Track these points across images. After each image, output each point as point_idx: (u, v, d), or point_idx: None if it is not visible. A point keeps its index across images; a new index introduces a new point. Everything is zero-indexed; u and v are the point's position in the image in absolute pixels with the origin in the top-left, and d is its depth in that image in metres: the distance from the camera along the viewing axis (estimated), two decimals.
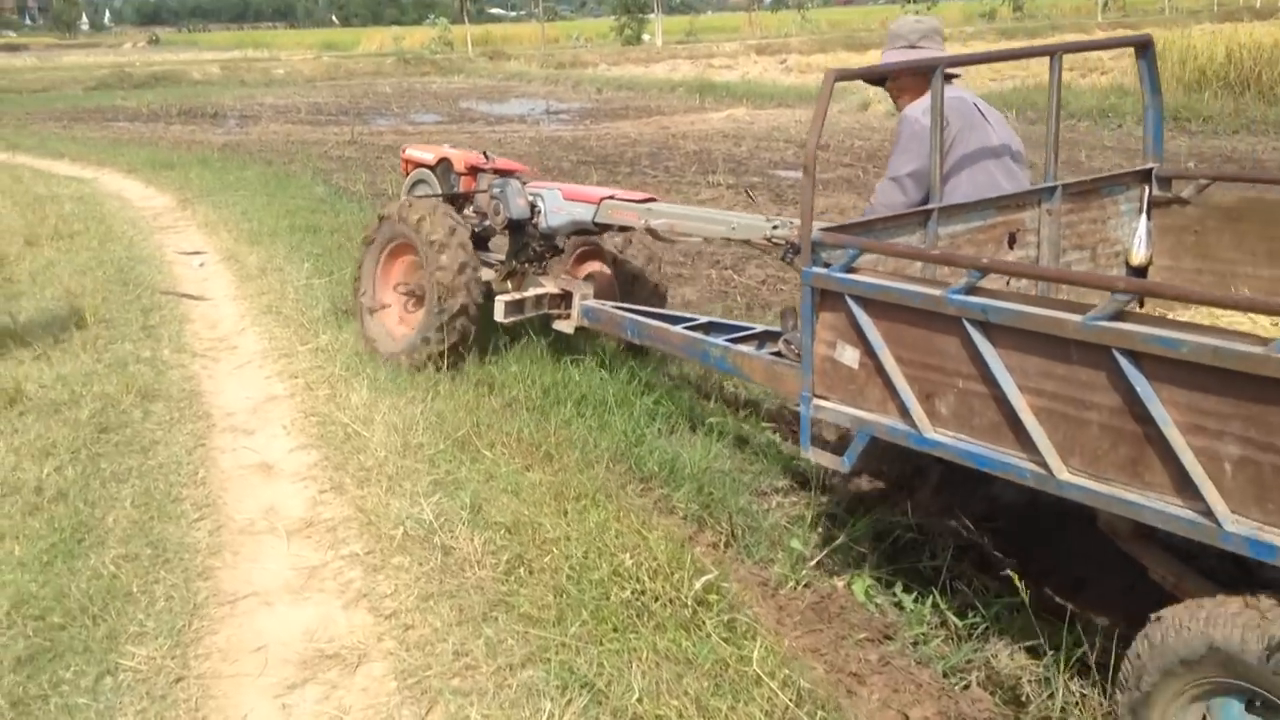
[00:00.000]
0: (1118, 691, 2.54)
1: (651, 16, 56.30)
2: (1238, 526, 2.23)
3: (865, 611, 3.51)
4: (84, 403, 5.09)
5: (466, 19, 56.06)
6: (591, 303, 5.27)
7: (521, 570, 3.40)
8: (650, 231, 5.00)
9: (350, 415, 4.89)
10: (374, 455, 4.46)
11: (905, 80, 4.19)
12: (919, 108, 3.79)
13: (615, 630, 3.04)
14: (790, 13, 59.35)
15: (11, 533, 3.79)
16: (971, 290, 2.67)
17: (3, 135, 19.04)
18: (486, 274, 5.66)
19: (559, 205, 5.45)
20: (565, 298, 5.42)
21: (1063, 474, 2.56)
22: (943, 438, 2.86)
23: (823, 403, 3.24)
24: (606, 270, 5.90)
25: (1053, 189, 3.74)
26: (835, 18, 65.48)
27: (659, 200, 5.29)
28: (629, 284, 5.86)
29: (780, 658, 2.91)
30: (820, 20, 60.42)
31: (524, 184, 5.68)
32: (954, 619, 3.35)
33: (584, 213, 5.30)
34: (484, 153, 6.14)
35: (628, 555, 3.33)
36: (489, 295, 5.50)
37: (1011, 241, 3.35)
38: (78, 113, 25.09)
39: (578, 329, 5.36)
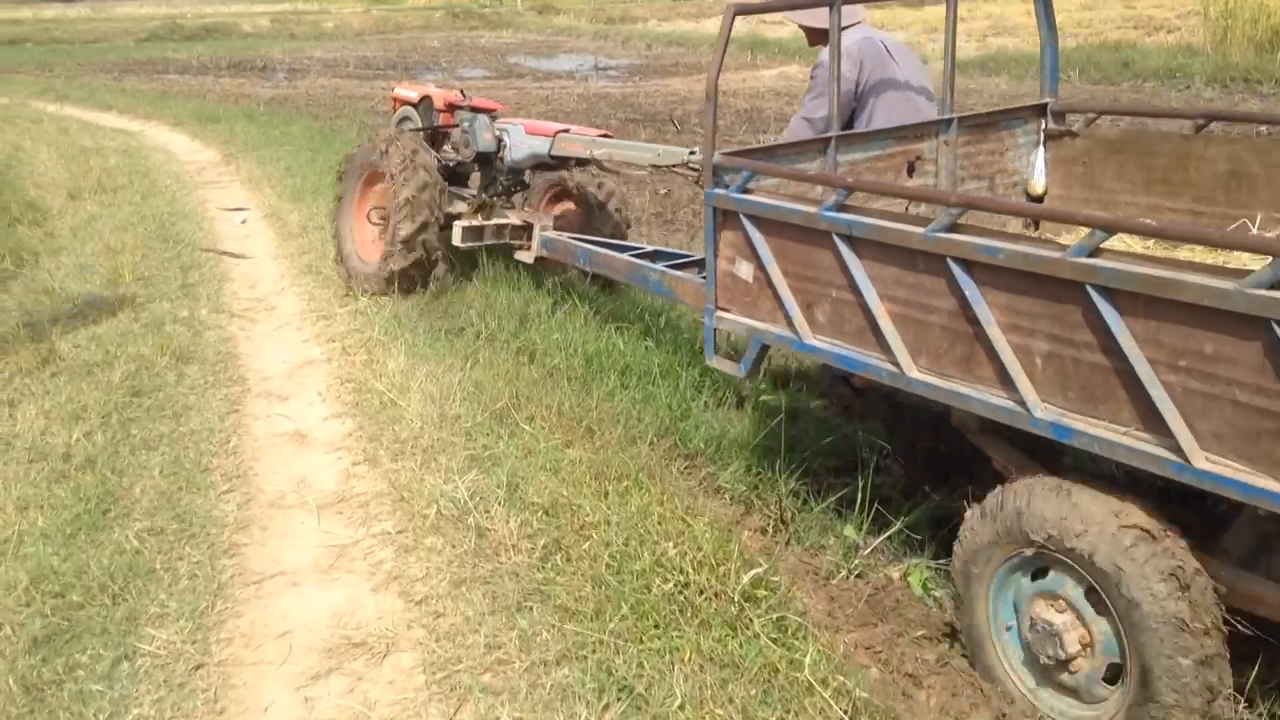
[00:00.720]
0: (953, 561, 2.91)
1: None
2: (1045, 413, 2.56)
3: (922, 605, 3.30)
4: (117, 364, 4.97)
5: None
6: (550, 234, 5.58)
7: (559, 557, 3.22)
8: (595, 161, 5.43)
9: (387, 383, 4.73)
10: (409, 426, 4.30)
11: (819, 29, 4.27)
12: (830, 52, 3.85)
13: (656, 627, 2.85)
14: None
15: (36, 501, 3.68)
16: (840, 208, 2.94)
17: (53, 86, 19.06)
18: (460, 206, 6.02)
19: (521, 139, 5.84)
20: (527, 229, 5.81)
21: (913, 372, 2.87)
22: (819, 343, 3.16)
23: (723, 314, 3.51)
24: (575, 208, 6.27)
25: (949, 121, 3.98)
26: None
27: (612, 136, 5.69)
28: (593, 219, 6.16)
29: (834, 664, 2.71)
30: None
31: (494, 120, 6.09)
32: None
33: (541, 145, 5.69)
34: (461, 91, 6.52)
35: (671, 544, 3.14)
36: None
37: (910, 170, 3.45)
38: (128, 64, 25.13)
39: (537, 259, 5.67)
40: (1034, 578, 2.71)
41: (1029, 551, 2.65)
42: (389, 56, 26.57)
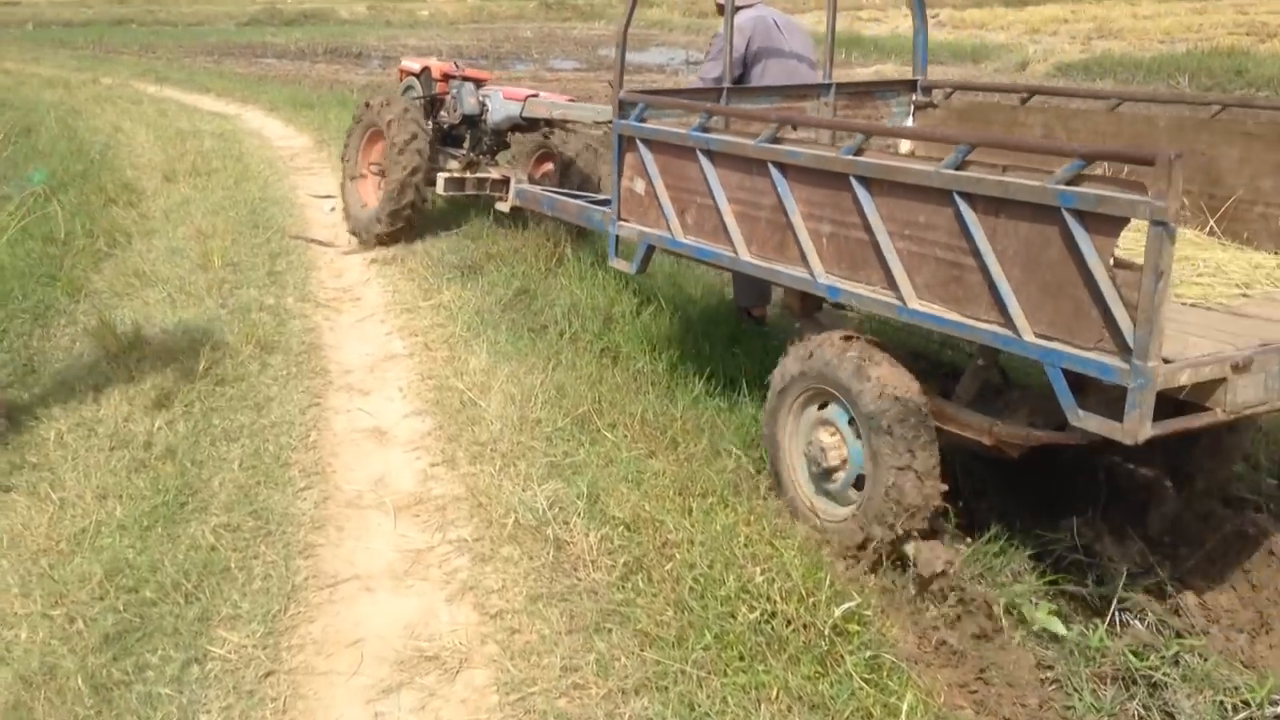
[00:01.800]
0: (768, 395, 3.73)
1: None
2: (825, 280, 3.44)
3: (1020, 641, 3.11)
4: (203, 351, 4.96)
5: None
6: (523, 186, 6.34)
7: (639, 577, 3.08)
8: (555, 120, 6.62)
9: (467, 382, 4.64)
10: (489, 429, 4.20)
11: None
12: (725, 22, 4.84)
13: (741, 659, 2.70)
14: None
15: (115, 491, 3.66)
16: (703, 129, 3.82)
17: (154, 68, 19.49)
18: (453, 165, 6.95)
19: (499, 104, 6.82)
20: (505, 182, 6.60)
21: (745, 257, 3.74)
22: (687, 241, 4.01)
23: (623, 224, 4.41)
24: (553, 166, 7.09)
25: (829, 86, 5.00)
26: None
27: (576, 100, 6.77)
28: (566, 174, 6.91)
29: (934, 712, 2.54)
30: None
31: (479, 87, 7.02)
32: (1124, 655, 2.93)
33: (515, 109, 6.72)
34: (455, 62, 7.41)
35: (758, 569, 2.98)
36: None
37: (794, 126, 3.91)
38: (228, 48, 25.64)
39: (513, 209, 6.47)
40: (819, 408, 3.58)
41: (817, 387, 3.54)
42: (482, 46, 26.71)
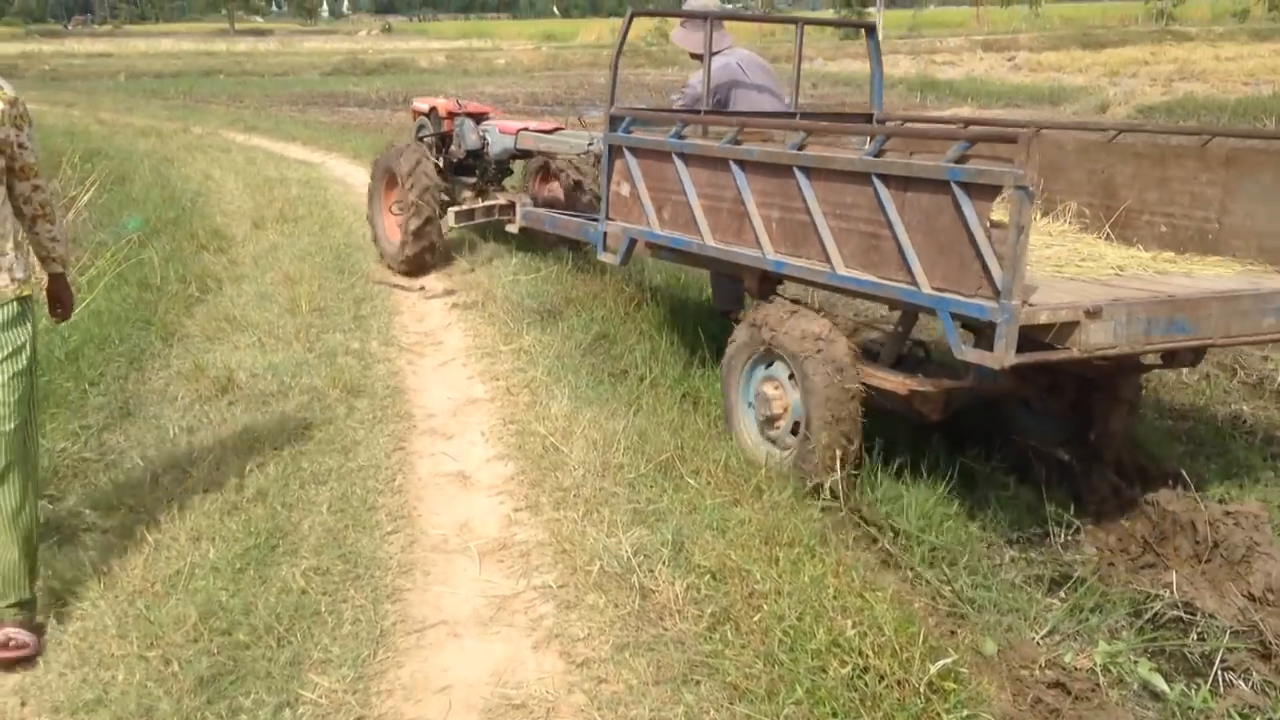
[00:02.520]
0: (723, 360, 4.64)
1: (873, 10, 54.94)
2: (774, 257, 4.20)
3: (1119, 700, 3.01)
4: (292, 395, 5.06)
5: None
6: (528, 208, 7.05)
7: (727, 628, 3.05)
8: (539, 150, 7.41)
9: (549, 427, 4.66)
10: (572, 474, 4.21)
11: (690, 41, 6.08)
12: (696, 77, 5.75)
13: (834, 716, 2.65)
14: (1021, 7, 56.70)
15: (209, 533, 3.72)
16: (679, 136, 4.68)
17: (243, 117, 20.09)
18: (466, 192, 7.87)
19: (497, 138, 7.62)
20: (511, 206, 7.28)
21: (711, 242, 4.52)
22: (664, 232, 4.84)
23: (610, 223, 5.26)
24: (559, 185, 7.58)
25: (792, 114, 5.92)
26: (1069, 13, 62.25)
27: (563, 128, 7.61)
28: (571, 195, 7.33)
29: None
30: (1053, 16, 57.54)
31: (478, 122, 7.80)
32: (1229, 717, 2.82)
33: (509, 141, 7.53)
34: (458, 100, 8.22)
35: (849, 622, 2.93)
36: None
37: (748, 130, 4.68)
38: (312, 97, 26.36)
39: (521, 229, 7.14)
40: (765, 367, 4.42)
41: (763, 348, 4.37)
42: (556, 93, 27.13)
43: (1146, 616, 3.44)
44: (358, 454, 4.52)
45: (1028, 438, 4.71)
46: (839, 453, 3.98)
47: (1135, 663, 3.14)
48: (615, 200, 5.20)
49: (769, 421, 4.36)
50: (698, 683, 2.87)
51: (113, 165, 12.40)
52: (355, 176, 12.70)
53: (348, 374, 5.37)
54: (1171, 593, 3.53)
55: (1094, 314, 3.44)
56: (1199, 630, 3.37)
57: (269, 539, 3.69)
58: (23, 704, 2.94)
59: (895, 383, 4.04)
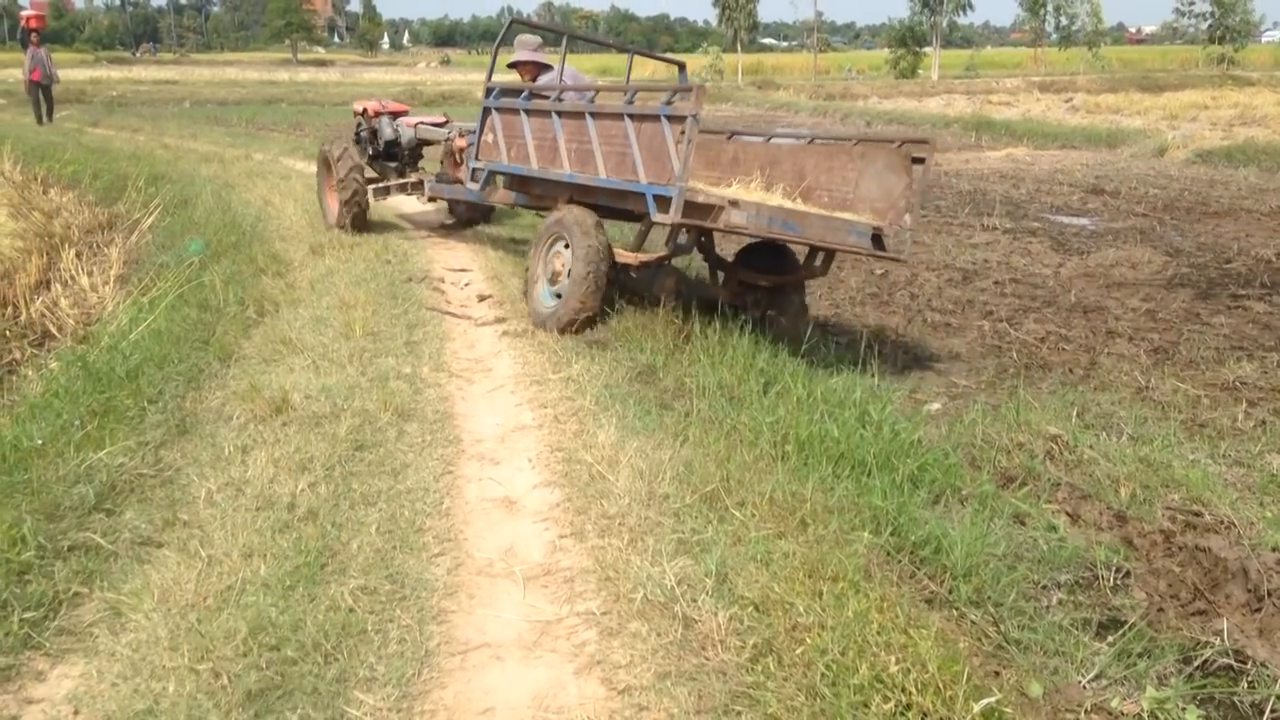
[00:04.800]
0: (533, 243, 7.38)
1: (928, 50, 54.92)
2: (569, 173, 6.96)
3: None
4: (344, 417, 5.14)
5: (739, 48, 56.45)
6: (432, 183, 9.77)
7: (770, 660, 3.05)
8: (434, 139, 10.16)
9: (596, 455, 4.70)
10: (617, 502, 4.24)
11: (529, 67, 8.95)
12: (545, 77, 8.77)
13: None
14: (1079, 50, 56.40)
15: (261, 550, 3.79)
16: (528, 99, 7.65)
17: (303, 145, 20.46)
18: (392, 176, 10.45)
19: (404, 131, 10.38)
20: (420, 184, 9.93)
21: (535, 167, 7.34)
22: (508, 164, 7.70)
23: (478, 163, 8.13)
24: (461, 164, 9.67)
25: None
26: (1128, 56, 61.90)
27: (452, 121, 10.37)
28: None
29: None
30: (1111, 58, 57.15)
31: (394, 119, 10.53)
32: None
33: (412, 133, 10.33)
34: (381, 102, 10.87)
35: (892, 659, 2.93)
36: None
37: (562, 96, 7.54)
38: None
39: (430, 198, 9.98)
40: (556, 245, 6.91)
41: (558, 232, 6.86)
42: None
43: (1196, 663, 3.38)
44: (407, 477, 4.58)
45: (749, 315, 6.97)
46: (590, 288, 6.57)
47: (1183, 710, 3.09)
48: (484, 146, 8.19)
49: (554, 278, 6.93)
50: (739, 714, 2.87)
51: (176, 190, 12.69)
52: (410, 204, 12.88)
53: (399, 398, 5.45)
54: (1222, 640, 3.47)
55: (734, 204, 5.86)
56: (1249, 679, 3.31)
57: (319, 557, 3.75)
58: (75, 712, 3.00)
59: (628, 256, 6.83)
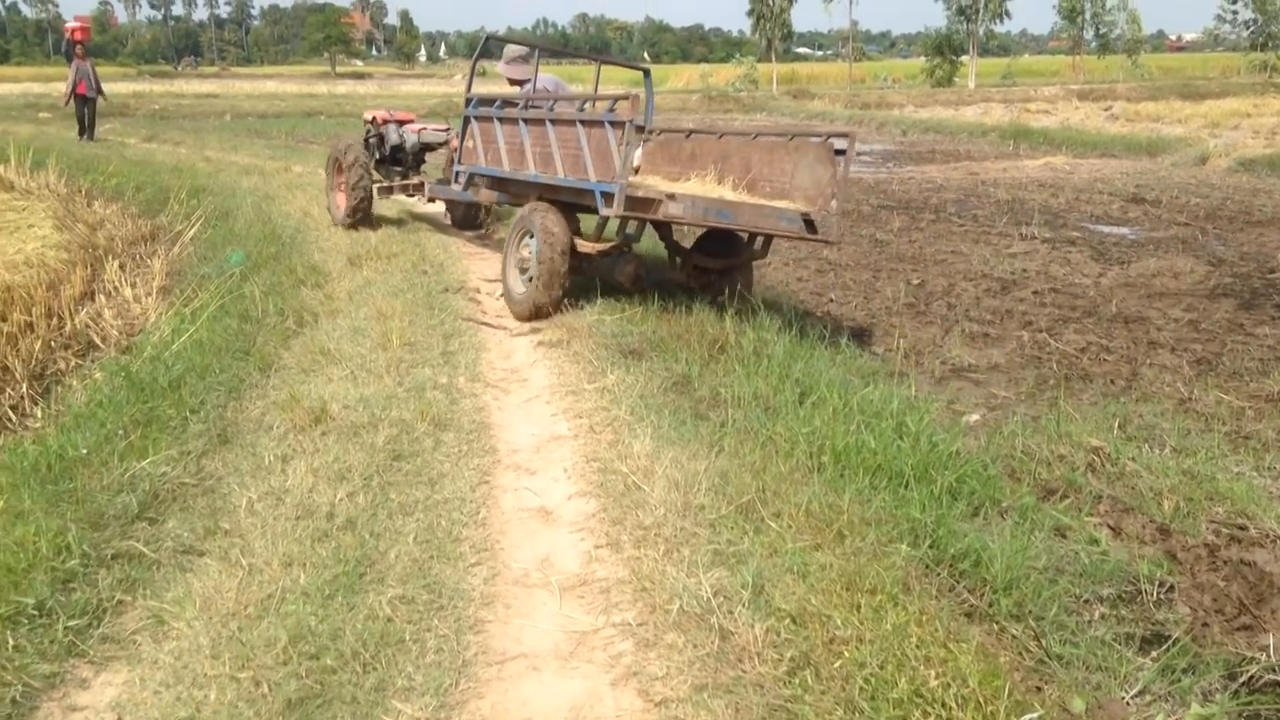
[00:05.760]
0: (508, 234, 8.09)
1: (965, 58, 54.62)
2: (534, 173, 7.87)
3: None
4: (381, 427, 5.18)
5: (774, 58, 56.40)
6: (432, 185, 10.47)
7: (807, 673, 3.04)
8: (436, 144, 11.28)
9: (631, 465, 4.70)
10: (653, 513, 4.24)
11: (516, 74, 9.89)
12: (525, 89, 9.42)
13: None
14: (1118, 57, 55.86)
15: (300, 559, 3.83)
16: (501, 108, 8.61)
17: None
18: (397, 178, 11.32)
19: (409, 136, 11.23)
20: (421, 186, 10.75)
21: (506, 168, 8.31)
22: (485, 167, 8.68)
23: (460, 165, 9.11)
24: None
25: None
26: (1168, 64, 61.26)
27: (453, 129, 10.85)
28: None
29: None
30: (1151, 66, 56.56)
31: (400, 126, 11.35)
32: None
33: (415, 139, 11.22)
34: (388, 110, 11.71)
35: (932, 673, 2.90)
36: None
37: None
38: None
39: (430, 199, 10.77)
40: (525, 238, 7.57)
41: (526, 226, 7.52)
42: None
43: (1241, 680, 3.33)
44: (443, 486, 4.61)
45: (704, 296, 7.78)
46: (550, 276, 7.22)
47: None
48: (465, 151, 9.14)
49: (523, 265, 7.62)
50: None
51: (217, 202, 12.86)
52: (431, 208, 12.99)
53: (435, 408, 5.48)
54: (1268, 656, 3.42)
55: (672, 197, 6.72)
56: None
57: (357, 567, 3.77)
58: None
59: (587, 245, 7.47)
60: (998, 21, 55.41)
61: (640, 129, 8.46)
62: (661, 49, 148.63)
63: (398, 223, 11.92)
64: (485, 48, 9.79)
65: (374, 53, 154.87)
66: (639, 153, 8.70)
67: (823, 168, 7.04)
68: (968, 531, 4.10)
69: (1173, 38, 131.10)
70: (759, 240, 7.60)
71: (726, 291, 7.69)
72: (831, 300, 8.99)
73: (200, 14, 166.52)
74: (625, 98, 6.83)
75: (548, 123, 7.62)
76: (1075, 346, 7.32)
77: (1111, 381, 6.54)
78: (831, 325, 7.92)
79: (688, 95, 44.12)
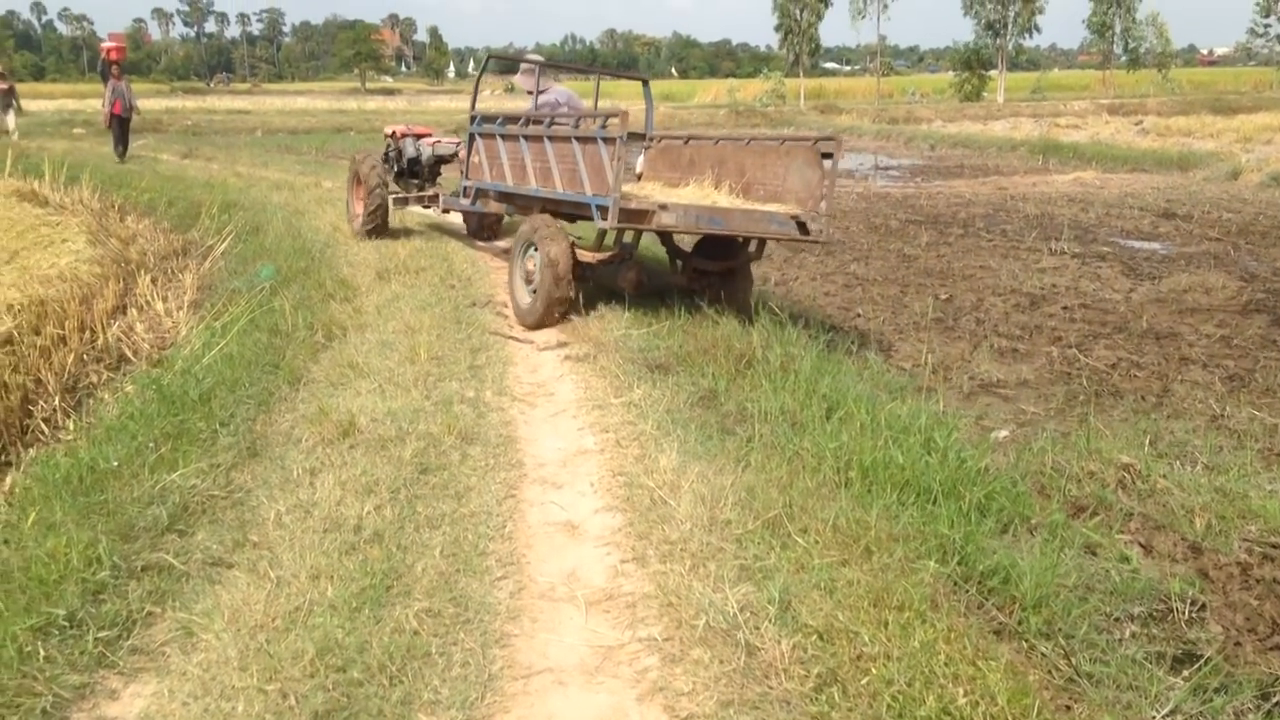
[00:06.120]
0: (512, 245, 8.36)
1: (993, 73, 54.43)
2: (534, 187, 8.23)
3: None
4: (409, 440, 5.20)
5: (801, 72, 56.42)
6: (446, 197, 10.86)
7: (834, 690, 3.02)
8: (450, 157, 11.60)
9: (657, 480, 4.70)
10: (679, 528, 4.23)
11: (529, 86, 9.97)
12: (532, 102, 9.70)
13: None
14: (1149, 72, 55.48)
15: (328, 571, 3.84)
16: (503, 125, 8.92)
17: None
18: (414, 190, 11.80)
19: (424, 149, 11.69)
20: (436, 197, 11.22)
21: (509, 183, 8.61)
22: (490, 181, 9.01)
23: (467, 180, 9.55)
24: None
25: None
26: (1199, 78, 60.80)
27: (457, 143, 11.47)
28: None
29: None
30: (1182, 80, 56.15)
31: (417, 140, 11.84)
32: None
33: (429, 150, 11.69)
34: (408, 125, 12.28)
35: (960, 690, 2.88)
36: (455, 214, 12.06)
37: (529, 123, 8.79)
38: None
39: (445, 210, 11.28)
40: (529, 250, 7.77)
41: (530, 238, 7.73)
42: None
43: (1275, 700, 3.28)
44: (470, 500, 4.62)
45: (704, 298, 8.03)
46: (554, 286, 7.46)
47: None
48: (471, 166, 9.60)
49: (528, 277, 7.89)
50: None
51: (248, 216, 12.99)
52: (450, 218, 13.06)
53: (462, 421, 5.50)
54: None
55: (664, 207, 6.99)
56: None
57: (384, 579, 3.79)
58: None
59: (588, 255, 7.71)
60: (1026, 36, 55.21)
61: (642, 137, 9.29)
62: (689, 64, 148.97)
63: (423, 235, 12.01)
64: (487, 68, 11.03)
65: (403, 69, 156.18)
66: (641, 159, 9.41)
67: (812, 171, 7.35)
68: (997, 548, 4.07)
69: (1204, 52, 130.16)
70: (753, 243, 7.88)
71: (724, 294, 8.09)
72: (859, 315, 8.96)
73: (233, 31, 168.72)
74: (616, 114, 7.07)
75: (545, 139, 7.91)
76: (1105, 362, 7.27)
77: (1142, 398, 6.48)
78: (859, 340, 7.90)
79: (715, 110, 44.17)
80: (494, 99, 63.91)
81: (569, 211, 7.92)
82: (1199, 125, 29.63)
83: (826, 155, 7.28)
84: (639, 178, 9.31)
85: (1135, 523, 4.51)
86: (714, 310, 7.41)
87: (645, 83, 10.16)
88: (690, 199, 7.65)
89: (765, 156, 7.91)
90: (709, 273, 8.24)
